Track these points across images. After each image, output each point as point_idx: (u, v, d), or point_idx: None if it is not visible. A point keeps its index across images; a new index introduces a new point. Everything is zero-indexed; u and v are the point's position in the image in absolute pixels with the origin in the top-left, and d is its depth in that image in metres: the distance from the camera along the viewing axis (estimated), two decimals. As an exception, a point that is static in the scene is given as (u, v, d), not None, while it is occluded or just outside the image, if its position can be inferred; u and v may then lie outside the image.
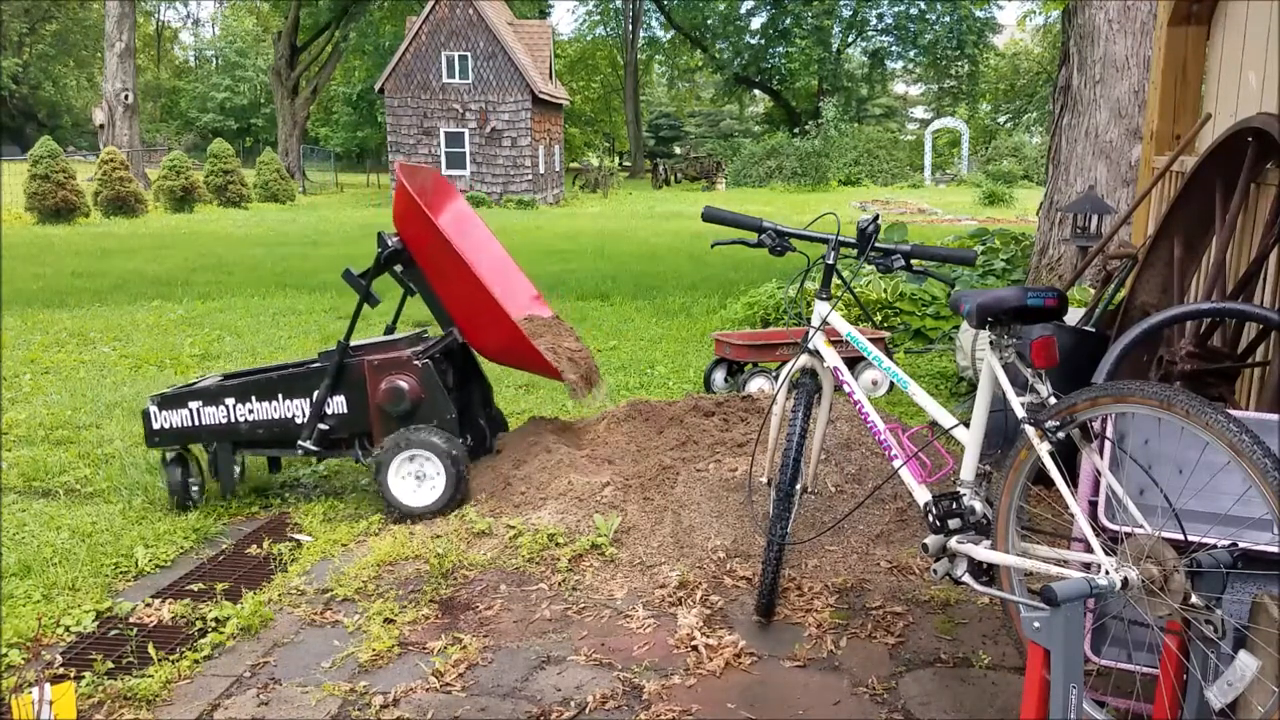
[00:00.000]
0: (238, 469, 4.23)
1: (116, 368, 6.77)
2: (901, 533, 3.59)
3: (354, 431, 4.05)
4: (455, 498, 3.87)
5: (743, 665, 2.79)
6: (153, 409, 4.07)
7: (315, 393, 3.99)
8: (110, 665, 2.77)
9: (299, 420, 4.03)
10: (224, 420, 4.05)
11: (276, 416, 4.04)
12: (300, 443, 4.02)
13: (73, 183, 20.38)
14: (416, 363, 3.93)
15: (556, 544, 3.55)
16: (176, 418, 4.06)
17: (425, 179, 4.52)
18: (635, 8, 50.14)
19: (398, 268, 4.13)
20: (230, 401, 4.04)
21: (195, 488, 4.14)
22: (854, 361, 5.50)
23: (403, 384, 3.90)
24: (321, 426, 4.02)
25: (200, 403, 4.05)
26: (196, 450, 4.19)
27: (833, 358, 2.91)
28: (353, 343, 4.05)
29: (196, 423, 4.06)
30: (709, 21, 49.61)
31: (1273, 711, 1.85)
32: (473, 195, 28.80)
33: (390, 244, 4.03)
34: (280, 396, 4.03)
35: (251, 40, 58.61)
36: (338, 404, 4.01)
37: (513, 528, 3.66)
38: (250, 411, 4.04)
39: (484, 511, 3.85)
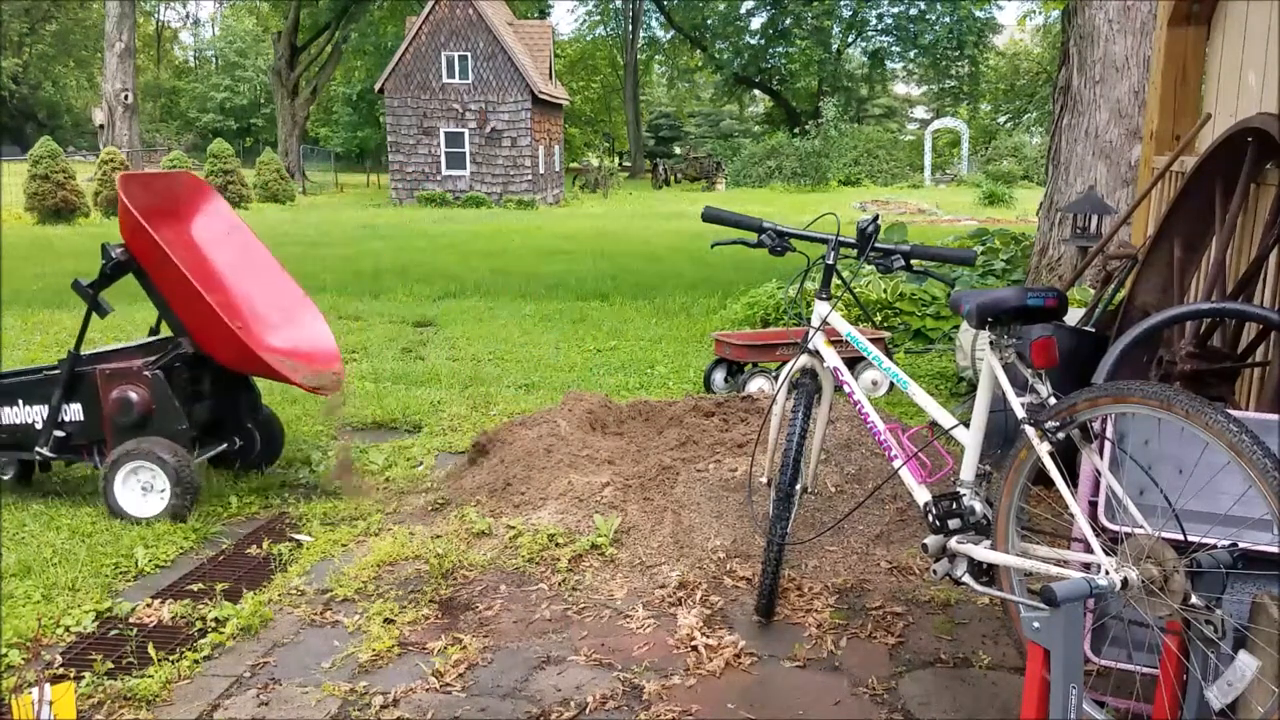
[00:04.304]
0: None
1: (116, 368, 6.76)
2: (901, 533, 3.59)
3: (91, 439, 4.08)
4: (181, 509, 3.88)
5: (743, 665, 2.79)
6: None
7: (52, 399, 4.03)
8: (110, 665, 2.77)
9: (38, 426, 4.08)
10: None
11: (17, 422, 4.10)
12: (37, 449, 4.07)
13: (73, 183, 20.38)
14: (147, 373, 3.95)
15: (556, 544, 3.55)
16: None
17: (176, 185, 4.50)
18: (635, 8, 50.11)
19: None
20: None
21: None
22: (854, 361, 5.50)
23: (132, 395, 3.93)
24: (59, 433, 4.06)
25: None
26: None
27: (833, 358, 2.91)
28: (95, 350, 4.12)
29: None
30: (709, 21, 49.57)
31: (1273, 711, 1.85)
32: (472, 195, 28.81)
33: (114, 255, 4.04)
34: (20, 402, 4.08)
35: (251, 40, 58.56)
36: (74, 411, 4.06)
37: (513, 528, 3.66)
38: None
39: (484, 511, 3.85)
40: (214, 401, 4.28)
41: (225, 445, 4.35)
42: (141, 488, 3.90)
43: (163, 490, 3.88)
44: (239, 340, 3.93)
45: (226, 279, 4.37)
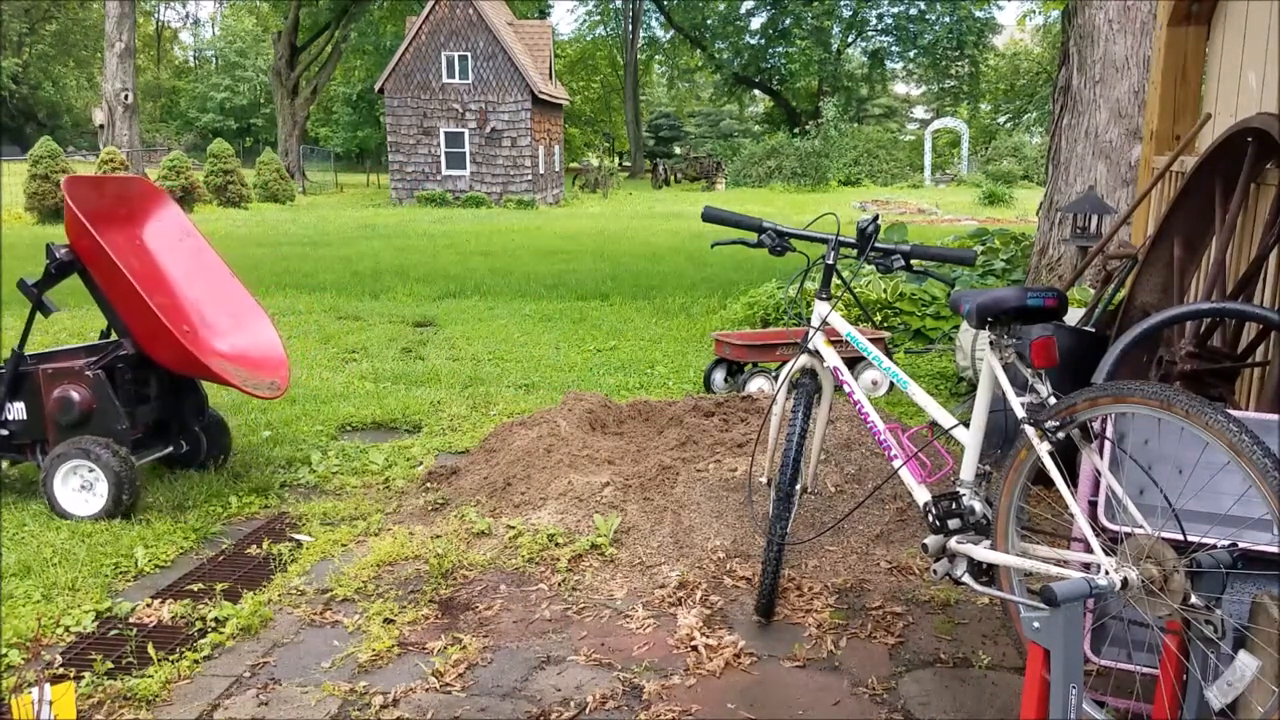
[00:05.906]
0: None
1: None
2: (901, 533, 3.59)
3: (35, 438, 4.12)
4: (120, 508, 3.88)
5: (742, 665, 2.79)
6: None
7: None
8: (110, 665, 2.77)
9: None
10: None
11: None
12: None
13: (72, 183, 20.36)
14: (88, 373, 3.98)
15: (556, 544, 3.55)
16: None
17: (129, 190, 4.51)
18: (635, 8, 50.12)
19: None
20: None
21: None
22: (854, 361, 5.50)
23: (74, 394, 3.96)
24: (2, 431, 4.11)
25: None
26: None
27: (833, 358, 2.91)
28: (41, 351, 4.18)
29: None
30: (709, 21, 49.57)
31: (1273, 711, 1.85)
32: (472, 195, 28.80)
33: (58, 256, 4.07)
34: None
35: (251, 40, 58.57)
36: (18, 410, 4.10)
37: (513, 528, 3.66)
38: None
39: (484, 511, 3.85)
40: (159, 404, 4.30)
41: (170, 449, 4.37)
42: (81, 486, 3.91)
43: (99, 489, 3.88)
44: (180, 343, 3.95)
45: (175, 284, 4.41)
